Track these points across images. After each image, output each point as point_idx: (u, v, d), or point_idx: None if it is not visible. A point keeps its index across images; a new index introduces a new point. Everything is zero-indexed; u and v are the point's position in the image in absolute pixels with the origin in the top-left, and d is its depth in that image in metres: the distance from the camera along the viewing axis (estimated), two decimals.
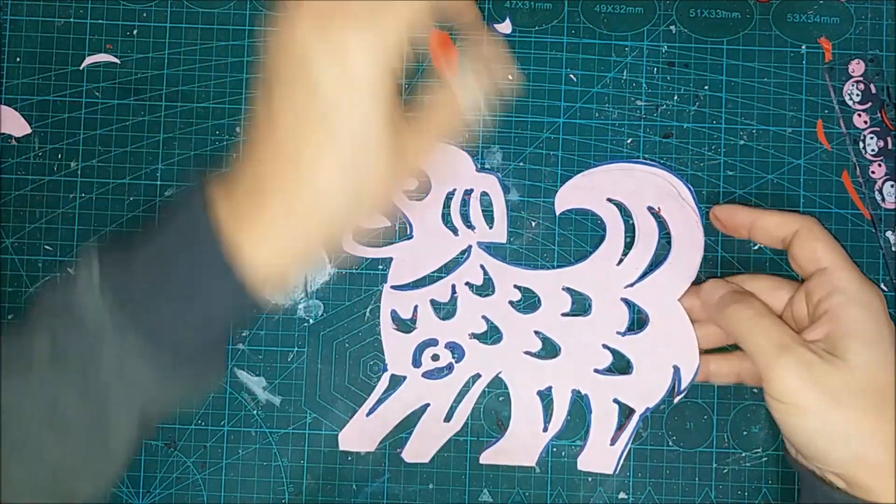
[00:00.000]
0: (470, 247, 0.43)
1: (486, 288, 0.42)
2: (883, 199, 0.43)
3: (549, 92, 0.43)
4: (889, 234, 0.43)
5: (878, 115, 0.43)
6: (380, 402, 0.42)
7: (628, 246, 0.42)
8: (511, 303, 0.42)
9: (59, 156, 0.43)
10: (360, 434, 0.42)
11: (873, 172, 0.43)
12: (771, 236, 0.40)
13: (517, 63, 0.43)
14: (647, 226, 0.42)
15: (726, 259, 0.43)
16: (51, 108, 0.43)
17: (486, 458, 0.42)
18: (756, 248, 0.43)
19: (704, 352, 0.41)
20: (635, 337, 0.42)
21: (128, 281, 0.31)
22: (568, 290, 0.42)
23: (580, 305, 0.42)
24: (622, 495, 0.42)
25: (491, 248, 0.43)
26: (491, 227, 0.43)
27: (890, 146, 0.43)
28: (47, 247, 0.43)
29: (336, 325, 0.42)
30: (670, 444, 0.42)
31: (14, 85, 0.43)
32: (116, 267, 0.31)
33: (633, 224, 0.42)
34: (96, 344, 0.30)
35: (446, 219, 0.43)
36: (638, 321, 0.42)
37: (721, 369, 0.41)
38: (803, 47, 0.44)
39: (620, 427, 0.42)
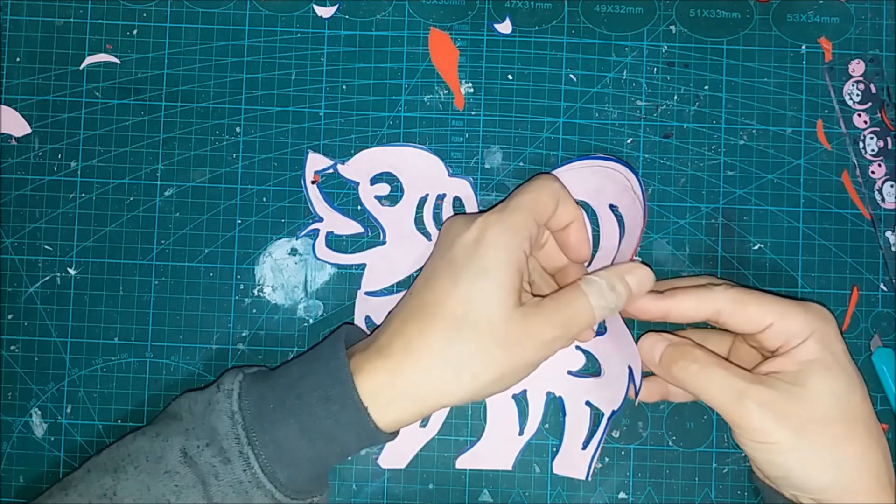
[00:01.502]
0: None
1: None
2: (883, 199, 0.43)
3: (549, 92, 0.43)
4: (889, 234, 0.43)
5: (878, 114, 0.43)
6: None
7: (595, 245, 0.42)
8: None
9: (59, 156, 0.43)
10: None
11: (873, 172, 0.43)
12: (691, 318, 0.38)
13: (517, 63, 0.43)
14: (608, 224, 0.42)
15: (726, 259, 0.43)
16: (51, 108, 0.43)
17: (462, 462, 0.42)
18: (756, 247, 0.43)
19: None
20: (601, 338, 0.42)
21: (262, 406, 0.34)
22: None
23: None
24: (622, 495, 0.42)
25: None
26: None
27: (890, 146, 0.43)
28: (47, 247, 0.43)
29: (336, 325, 0.42)
30: (670, 444, 0.42)
31: (14, 85, 0.43)
32: (256, 391, 0.35)
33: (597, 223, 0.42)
34: (222, 459, 0.33)
35: (419, 224, 0.43)
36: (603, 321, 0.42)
37: (678, 390, 0.40)
38: (803, 47, 0.44)
39: (592, 430, 0.42)
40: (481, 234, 0.35)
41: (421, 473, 0.42)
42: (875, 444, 0.35)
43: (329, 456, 0.35)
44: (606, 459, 0.42)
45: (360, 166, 0.43)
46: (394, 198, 0.43)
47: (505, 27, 0.44)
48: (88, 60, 0.43)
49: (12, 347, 0.42)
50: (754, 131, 0.43)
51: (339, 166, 0.43)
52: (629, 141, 0.43)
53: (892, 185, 0.43)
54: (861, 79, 0.43)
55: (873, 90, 0.43)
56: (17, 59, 0.43)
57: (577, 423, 0.42)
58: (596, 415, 0.42)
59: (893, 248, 0.43)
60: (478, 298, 0.34)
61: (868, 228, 0.43)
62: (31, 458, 0.42)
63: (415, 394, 0.34)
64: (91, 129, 0.43)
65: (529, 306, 0.35)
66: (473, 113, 0.43)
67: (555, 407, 0.42)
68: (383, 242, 0.43)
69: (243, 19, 0.43)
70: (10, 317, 0.42)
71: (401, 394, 0.34)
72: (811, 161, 0.43)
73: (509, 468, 0.42)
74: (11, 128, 0.43)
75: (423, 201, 0.43)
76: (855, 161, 0.43)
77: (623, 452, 0.42)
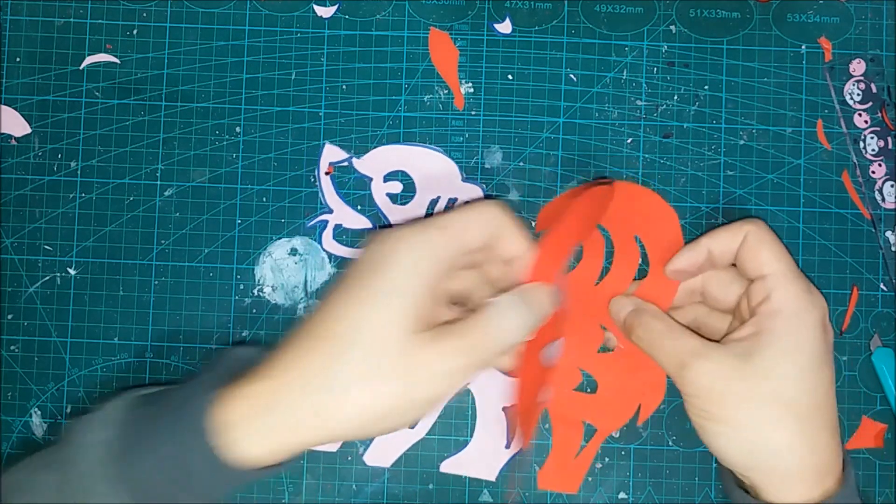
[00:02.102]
0: None
1: None
2: (883, 199, 0.43)
3: (549, 92, 0.43)
4: (889, 234, 0.43)
5: (879, 114, 0.43)
6: None
7: (606, 267, 0.42)
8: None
9: (59, 156, 0.43)
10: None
11: (873, 172, 0.43)
12: (730, 250, 0.38)
13: (517, 63, 0.43)
14: (628, 247, 0.42)
15: None
16: (51, 108, 0.43)
17: (447, 467, 0.42)
18: None
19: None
20: (605, 357, 0.41)
21: (125, 440, 0.32)
22: None
23: None
24: (622, 495, 0.42)
25: None
26: None
27: (890, 146, 0.43)
28: (47, 247, 0.43)
29: None
30: (670, 444, 0.42)
31: (14, 85, 0.43)
32: (122, 423, 0.32)
33: (612, 242, 0.42)
34: (89, 489, 0.31)
35: None
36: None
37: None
38: (803, 47, 0.44)
39: (585, 447, 0.42)
40: (392, 249, 0.33)
41: (421, 473, 0.42)
42: (806, 439, 0.34)
43: (191, 496, 0.32)
44: (606, 459, 0.42)
45: (376, 162, 0.43)
46: (406, 197, 0.43)
47: (505, 27, 0.44)
48: (88, 60, 0.43)
49: (12, 347, 0.42)
50: (754, 131, 0.43)
51: (354, 160, 0.43)
52: (629, 141, 0.43)
53: (892, 185, 0.43)
54: (862, 78, 0.43)
55: (874, 90, 0.43)
56: (17, 59, 0.43)
57: (568, 439, 0.42)
58: (589, 432, 0.42)
59: (893, 248, 0.43)
60: (371, 320, 0.31)
61: (868, 228, 0.43)
62: None
63: (291, 420, 0.31)
64: (91, 129, 0.43)
65: (433, 333, 0.32)
66: (473, 113, 0.43)
67: (543, 422, 0.42)
68: None
69: (243, 19, 0.43)
70: (10, 317, 0.42)
71: (273, 422, 0.31)
72: (811, 161, 0.43)
73: (492, 479, 0.42)
74: (11, 128, 0.43)
75: (434, 203, 0.43)
76: (855, 161, 0.43)
77: (623, 452, 0.42)
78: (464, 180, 0.43)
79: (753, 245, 0.37)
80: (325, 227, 0.43)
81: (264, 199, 0.43)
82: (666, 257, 0.40)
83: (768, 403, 0.34)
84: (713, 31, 0.44)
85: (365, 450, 0.42)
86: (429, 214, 0.42)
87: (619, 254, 0.42)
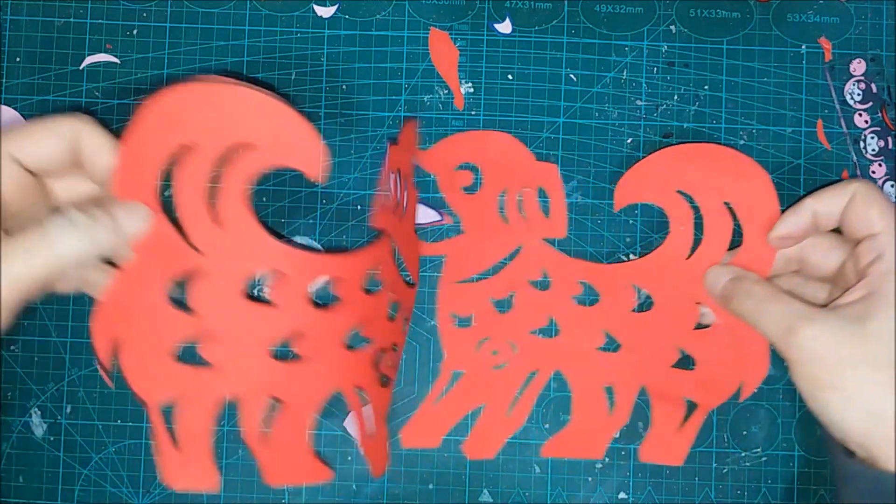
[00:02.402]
0: (528, 242, 0.42)
1: (545, 283, 0.42)
2: None
3: (549, 92, 0.43)
4: None
5: (879, 114, 0.43)
6: (434, 398, 0.42)
7: (697, 238, 0.41)
8: (572, 297, 0.42)
9: None
10: (422, 431, 0.42)
11: (873, 172, 0.43)
12: (835, 211, 0.37)
13: (517, 63, 0.43)
14: (719, 215, 0.40)
15: None
16: (51, 108, 0.43)
17: (548, 450, 0.42)
18: None
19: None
20: (702, 333, 0.40)
21: None
22: (633, 285, 0.41)
23: (646, 301, 0.42)
24: (622, 495, 0.42)
25: (550, 243, 0.42)
26: (548, 220, 0.42)
27: (890, 146, 0.43)
28: None
29: None
30: None
31: (14, 85, 0.43)
32: None
33: (701, 215, 0.40)
34: None
35: (501, 212, 0.42)
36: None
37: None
38: (803, 47, 0.44)
39: (689, 420, 0.41)
40: None
41: (421, 473, 0.42)
42: None
43: None
44: (606, 459, 0.42)
45: (439, 156, 0.42)
46: (474, 187, 0.42)
47: (505, 27, 0.44)
48: (88, 60, 0.43)
49: (12, 347, 0.42)
50: (754, 131, 0.43)
51: (419, 155, 0.42)
52: (629, 141, 0.43)
53: (892, 185, 0.43)
54: (862, 78, 0.43)
55: (874, 90, 0.43)
56: (17, 59, 0.43)
57: (669, 414, 0.41)
58: (690, 408, 0.41)
59: None
60: None
61: None
62: (31, 458, 0.42)
63: None
64: None
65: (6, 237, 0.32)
66: (473, 113, 0.43)
67: (641, 400, 0.42)
68: (463, 232, 0.42)
69: (243, 19, 0.43)
70: None
71: None
72: (811, 161, 0.43)
73: (600, 458, 0.42)
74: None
75: (505, 190, 0.42)
76: (855, 161, 0.43)
77: (623, 452, 0.42)
78: (538, 160, 0.43)
79: (862, 203, 0.36)
80: None
81: (264, 199, 0.43)
82: (761, 223, 0.39)
83: (886, 367, 0.33)
84: (713, 31, 0.44)
85: (463, 442, 0.42)
86: (501, 203, 0.42)
87: (710, 223, 0.40)
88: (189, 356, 0.36)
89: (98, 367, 0.36)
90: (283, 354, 0.37)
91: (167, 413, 0.36)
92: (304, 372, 0.37)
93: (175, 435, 0.37)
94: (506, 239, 0.42)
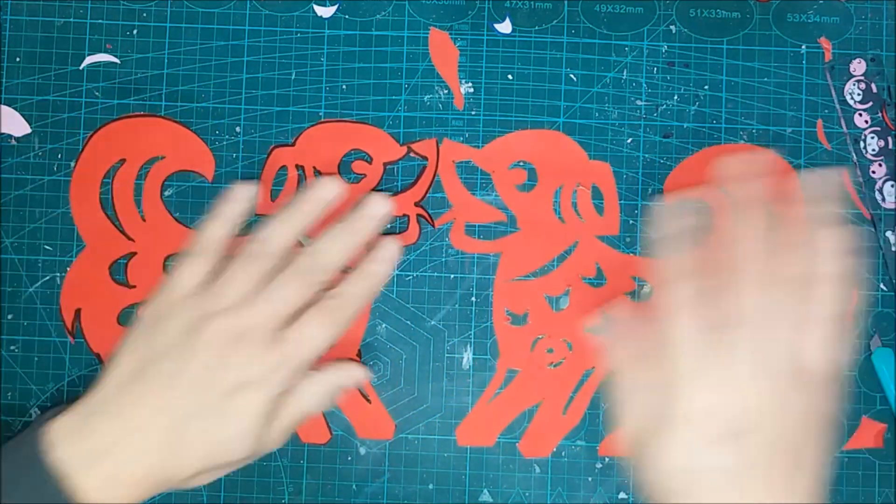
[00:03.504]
0: (582, 238, 0.42)
1: (599, 279, 0.42)
2: (883, 199, 0.43)
3: (549, 92, 0.43)
4: (889, 234, 0.43)
5: (879, 114, 0.43)
6: (487, 397, 0.42)
7: None
8: (627, 294, 0.42)
9: (59, 156, 0.43)
10: (477, 429, 0.42)
11: (873, 172, 0.43)
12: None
13: (517, 63, 0.43)
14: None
15: None
16: (51, 108, 0.43)
17: (604, 450, 0.42)
18: None
19: None
20: None
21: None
22: None
23: None
24: (622, 495, 0.42)
25: (604, 240, 0.43)
26: (602, 218, 0.42)
27: (890, 146, 0.43)
28: (47, 247, 0.43)
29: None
30: None
31: (14, 85, 0.43)
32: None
33: None
34: None
35: (555, 210, 0.42)
36: None
37: None
38: (803, 47, 0.44)
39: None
40: None
41: (421, 473, 0.42)
42: None
43: None
44: (606, 459, 0.42)
45: (495, 153, 0.43)
46: (530, 185, 0.43)
47: (505, 27, 0.44)
48: (88, 60, 0.43)
49: (12, 347, 0.42)
50: (754, 131, 0.43)
51: (475, 154, 0.43)
52: (629, 141, 0.43)
53: (892, 185, 0.43)
54: (862, 78, 0.43)
55: (874, 90, 0.43)
56: (17, 59, 0.43)
57: None
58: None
59: (893, 248, 0.43)
60: None
61: (868, 228, 0.43)
62: None
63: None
64: (91, 129, 0.43)
65: None
66: (473, 113, 0.43)
67: None
68: (518, 229, 0.42)
69: (243, 19, 0.43)
70: (10, 317, 0.42)
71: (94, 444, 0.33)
72: (811, 161, 0.43)
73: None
74: (11, 128, 0.43)
75: (560, 187, 0.42)
76: (855, 161, 0.43)
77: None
78: (591, 158, 0.43)
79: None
80: (450, 225, 0.43)
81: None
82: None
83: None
84: (713, 31, 0.44)
85: (519, 440, 0.42)
86: (555, 200, 0.42)
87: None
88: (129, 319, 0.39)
89: (65, 329, 0.42)
90: None
91: None
92: None
93: None
94: (561, 236, 0.42)
